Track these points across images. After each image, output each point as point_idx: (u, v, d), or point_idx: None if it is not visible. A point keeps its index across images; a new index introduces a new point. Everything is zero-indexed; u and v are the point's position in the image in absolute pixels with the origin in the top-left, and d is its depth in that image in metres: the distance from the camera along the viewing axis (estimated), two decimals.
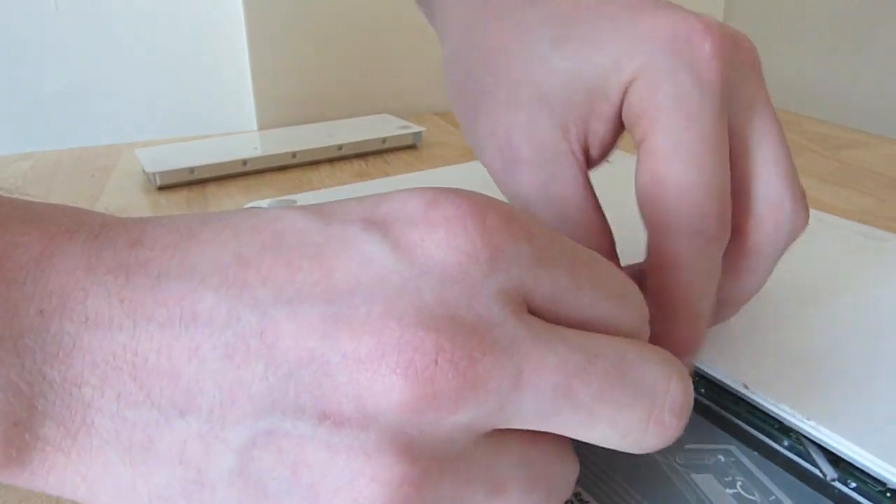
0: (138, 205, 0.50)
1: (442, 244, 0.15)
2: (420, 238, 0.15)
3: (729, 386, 0.25)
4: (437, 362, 0.14)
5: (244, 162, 0.55)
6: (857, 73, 0.77)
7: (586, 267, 0.17)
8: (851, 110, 0.75)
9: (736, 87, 0.22)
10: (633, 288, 0.18)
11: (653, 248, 0.22)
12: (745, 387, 0.24)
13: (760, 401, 0.24)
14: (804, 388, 0.24)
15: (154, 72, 0.70)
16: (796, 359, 0.26)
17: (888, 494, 0.21)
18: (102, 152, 0.64)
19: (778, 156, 0.22)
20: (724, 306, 0.24)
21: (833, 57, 0.79)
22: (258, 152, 0.57)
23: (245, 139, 0.63)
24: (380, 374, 0.14)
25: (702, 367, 0.26)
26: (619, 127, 0.24)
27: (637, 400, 0.16)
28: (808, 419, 0.23)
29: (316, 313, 0.14)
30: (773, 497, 0.21)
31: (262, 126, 0.71)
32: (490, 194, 0.17)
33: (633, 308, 0.18)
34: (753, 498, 0.21)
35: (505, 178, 0.25)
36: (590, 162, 0.25)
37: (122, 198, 0.52)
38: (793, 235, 0.23)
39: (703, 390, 0.26)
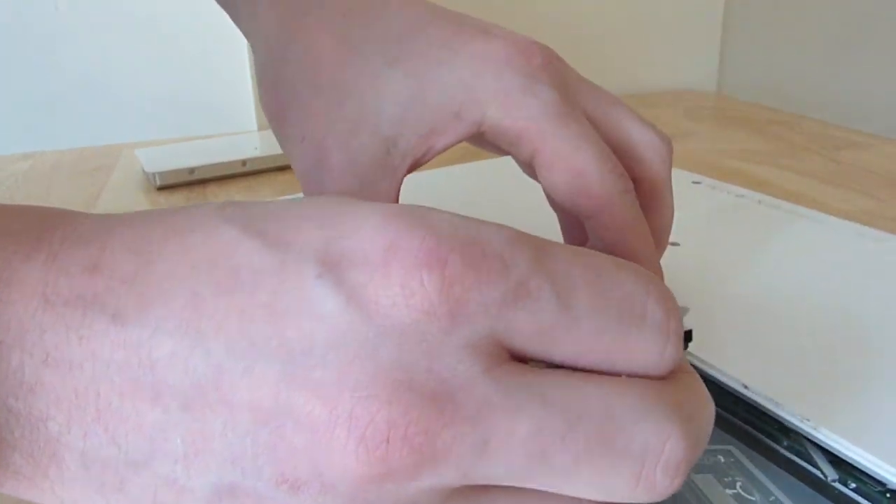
0: (138, 205, 0.50)
1: (398, 301, 0.14)
2: (375, 294, 0.14)
3: (728, 386, 0.25)
4: (388, 440, 0.13)
5: (244, 162, 0.55)
6: (857, 73, 0.77)
7: (588, 287, 0.15)
8: (851, 111, 0.75)
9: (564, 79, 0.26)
10: (659, 303, 0.16)
11: (600, 226, 0.24)
12: (745, 387, 0.24)
13: (760, 401, 0.24)
14: (804, 389, 0.24)
15: (154, 72, 0.70)
16: (796, 359, 0.26)
17: (888, 495, 0.21)
18: (102, 152, 0.64)
19: (623, 110, 0.26)
20: (660, 240, 0.27)
21: (833, 57, 0.79)
22: (258, 152, 0.57)
23: (245, 139, 0.63)
24: (332, 446, 0.14)
25: (702, 367, 0.26)
26: (461, 139, 0.25)
27: (623, 463, 0.15)
28: (808, 419, 0.23)
29: (270, 372, 0.14)
30: (773, 497, 0.21)
31: (262, 126, 0.71)
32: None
33: (653, 328, 0.16)
34: (753, 498, 0.21)
35: (311, 183, 0.25)
36: (413, 167, 0.26)
37: (122, 198, 0.52)
38: (671, 158, 0.26)
39: None
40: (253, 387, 0.14)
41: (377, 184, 0.25)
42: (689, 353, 0.26)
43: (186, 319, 0.14)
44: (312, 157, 0.25)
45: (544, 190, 0.30)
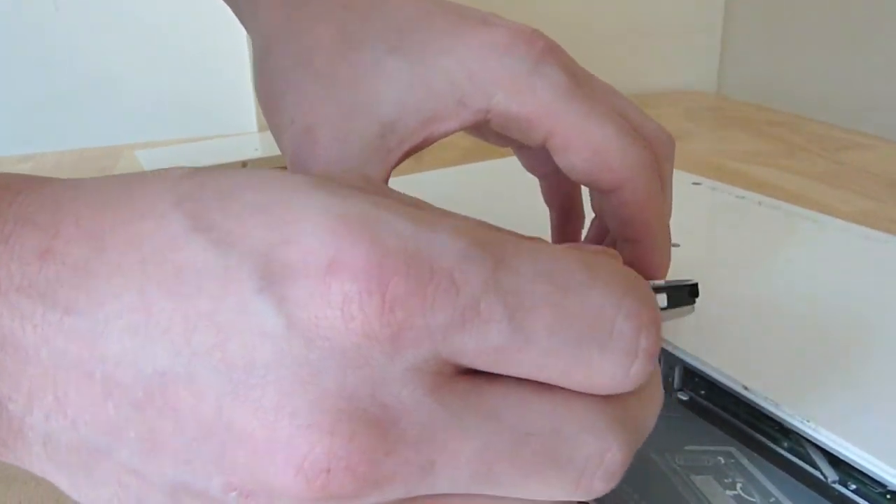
0: None
1: (338, 325, 0.13)
2: (315, 315, 0.14)
3: (729, 387, 0.25)
4: (329, 470, 0.13)
5: (244, 163, 0.55)
6: (858, 73, 0.77)
7: (548, 307, 0.14)
8: (851, 111, 0.75)
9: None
10: (629, 319, 0.15)
11: (620, 202, 0.24)
12: (745, 388, 0.24)
13: (760, 402, 0.24)
14: (804, 390, 0.24)
15: (154, 72, 0.70)
16: (796, 360, 0.26)
17: (888, 496, 0.21)
18: (102, 153, 0.64)
19: (627, 101, 0.26)
20: None
21: (833, 57, 0.79)
22: (258, 154, 0.57)
23: (245, 141, 0.63)
24: (273, 469, 0.14)
25: (702, 367, 0.26)
26: (463, 127, 0.25)
27: (566, 474, 0.15)
28: (808, 420, 0.23)
29: (211, 386, 0.14)
30: (773, 499, 0.21)
31: (263, 128, 0.71)
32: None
33: (619, 348, 0.15)
34: (753, 500, 0.21)
35: (298, 168, 0.25)
36: (408, 153, 0.26)
37: None
38: (674, 154, 0.27)
39: (703, 391, 0.26)
40: (197, 397, 0.14)
41: (366, 169, 0.24)
42: (690, 354, 0.26)
43: (135, 320, 0.14)
44: (300, 140, 0.25)
45: (542, 186, 0.30)
